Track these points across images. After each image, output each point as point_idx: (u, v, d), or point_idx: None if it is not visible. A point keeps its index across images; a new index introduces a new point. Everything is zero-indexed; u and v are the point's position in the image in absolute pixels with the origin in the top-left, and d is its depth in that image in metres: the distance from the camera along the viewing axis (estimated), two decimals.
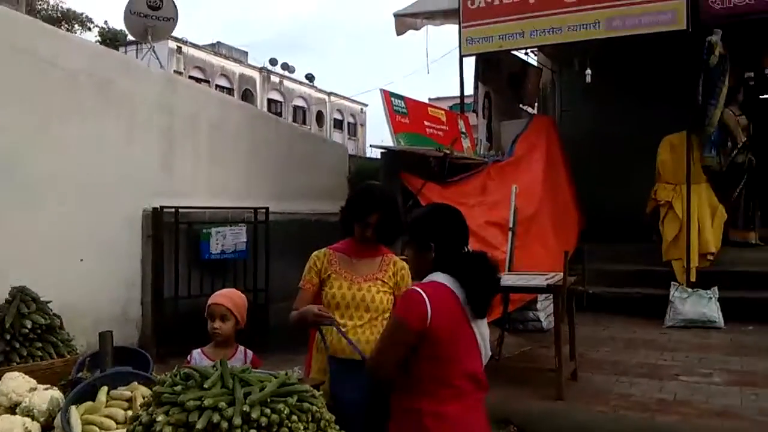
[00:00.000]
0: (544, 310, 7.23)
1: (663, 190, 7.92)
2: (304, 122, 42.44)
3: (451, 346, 2.29)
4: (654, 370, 5.60)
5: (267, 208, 7.13)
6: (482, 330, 2.40)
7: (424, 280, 2.38)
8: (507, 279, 5.46)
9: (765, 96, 9.70)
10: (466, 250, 2.44)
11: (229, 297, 3.16)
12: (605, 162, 9.49)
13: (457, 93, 8.83)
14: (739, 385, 5.14)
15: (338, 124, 47.94)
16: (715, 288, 7.12)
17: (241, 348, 3.16)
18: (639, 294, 7.66)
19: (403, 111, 6.86)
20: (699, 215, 7.58)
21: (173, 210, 6.38)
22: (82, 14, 28.14)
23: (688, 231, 7.41)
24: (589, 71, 8.26)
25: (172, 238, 6.40)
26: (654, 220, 8.12)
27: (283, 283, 6.90)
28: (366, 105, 49.35)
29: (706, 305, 7.03)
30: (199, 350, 3.13)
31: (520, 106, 10.49)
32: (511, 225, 6.44)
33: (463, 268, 2.36)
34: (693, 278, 7.34)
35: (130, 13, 10.01)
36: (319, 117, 45.55)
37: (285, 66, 42.23)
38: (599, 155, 9.53)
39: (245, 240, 6.86)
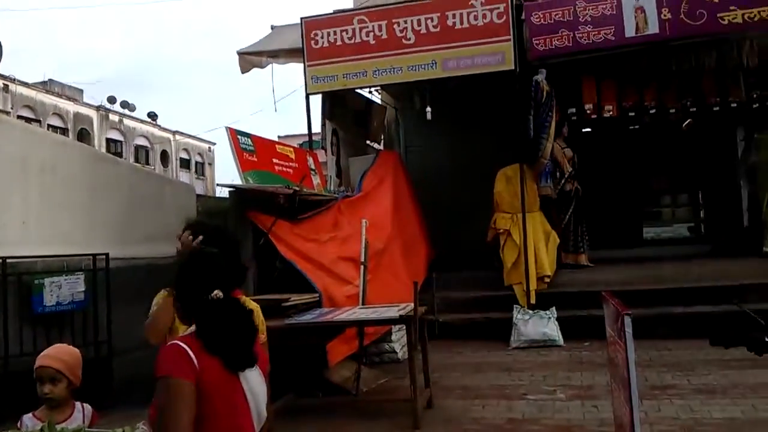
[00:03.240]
0: (399, 341, 7.36)
1: (501, 219, 8.40)
2: (147, 162, 40.78)
3: (216, 403, 2.03)
4: (503, 391, 5.86)
5: (107, 254, 6.74)
6: (252, 386, 2.14)
7: (185, 332, 2.16)
8: (360, 313, 5.52)
9: (587, 129, 10.63)
10: (213, 296, 2.15)
11: (57, 357, 2.88)
12: (449, 194, 9.93)
13: (306, 130, 8.91)
14: (580, 398, 5.48)
15: (185, 164, 46.54)
16: (553, 308, 7.61)
17: (79, 405, 2.92)
18: (486, 318, 8.02)
19: (250, 149, 6.78)
20: (534, 241, 8.09)
21: (0, 261, 5.86)
22: None
23: (525, 257, 7.89)
24: (429, 109, 8.64)
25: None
26: (495, 247, 8.57)
27: (128, 333, 6.52)
28: (214, 144, 48.37)
29: (546, 325, 7.48)
30: (30, 415, 2.84)
31: (367, 142, 10.75)
32: (362, 259, 6.53)
33: (203, 317, 2.12)
34: (533, 300, 7.80)
35: None
36: (164, 156, 43.97)
37: (125, 104, 40.50)
38: (443, 187, 9.96)
39: (83, 290, 6.43)
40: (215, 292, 2.16)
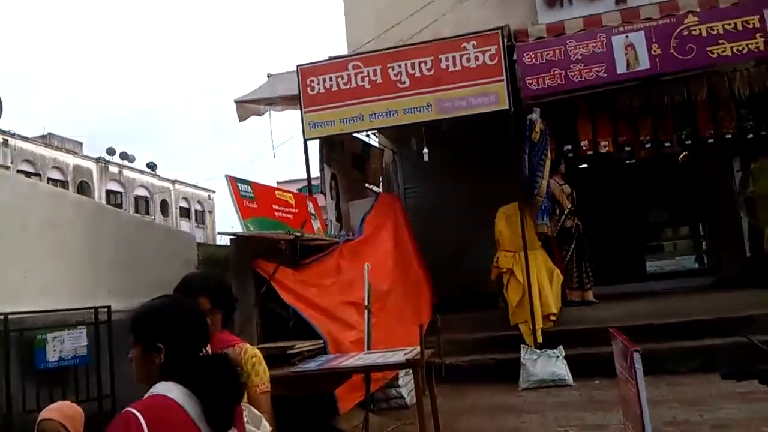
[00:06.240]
0: (406, 386, 7.26)
1: (503, 258, 8.37)
2: (147, 212, 40.99)
3: None
4: None
5: (109, 307, 6.70)
6: None
7: (147, 394, 1.96)
8: (366, 358, 5.45)
9: (584, 165, 10.69)
10: (204, 352, 2.08)
11: (60, 410, 2.90)
12: (450, 234, 9.92)
13: (305, 175, 8.96)
14: None
15: (185, 213, 46.76)
16: (561, 347, 7.51)
17: None
18: (493, 360, 7.91)
19: (250, 196, 6.80)
20: (538, 279, 8.04)
21: (2, 317, 5.81)
22: None
23: (530, 295, 7.83)
24: (426, 150, 8.70)
25: (1, 349, 5.80)
26: (499, 286, 8.52)
27: (132, 387, 6.44)
28: (213, 191, 48.67)
29: (554, 364, 7.38)
30: None
31: (366, 185, 10.79)
32: (366, 303, 6.49)
33: (199, 375, 1.96)
34: (540, 339, 7.71)
35: None
36: (164, 206, 44.19)
37: (124, 155, 40.91)
38: (444, 228, 9.96)
39: (86, 344, 6.36)
40: (206, 347, 2.09)
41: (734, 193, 9.65)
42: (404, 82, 8.27)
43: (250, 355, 2.89)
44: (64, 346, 6.16)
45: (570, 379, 7.31)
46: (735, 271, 9.56)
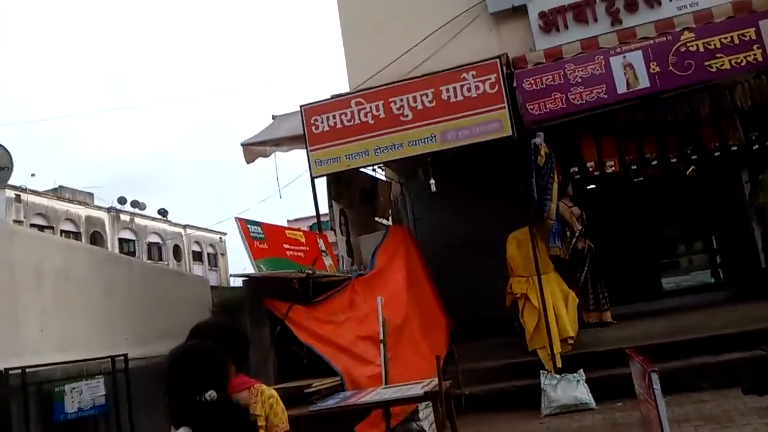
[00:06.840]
0: (427, 419, 7.17)
1: (517, 284, 8.32)
2: (160, 258, 41.17)
3: None
4: None
5: (125, 355, 6.72)
6: None
7: None
8: (384, 393, 5.42)
9: (591, 186, 10.68)
10: (204, 398, 2.14)
11: None
12: (462, 262, 9.89)
13: (314, 212, 9.01)
14: None
15: (197, 256, 46.92)
16: (581, 370, 7.40)
17: None
18: (513, 387, 7.81)
19: (260, 237, 6.85)
20: (553, 302, 7.97)
21: (20, 371, 5.84)
22: None
23: (546, 319, 7.77)
24: (432, 180, 8.74)
25: (21, 402, 5.81)
26: (514, 312, 8.46)
27: None
28: (225, 234, 48.89)
29: (576, 389, 7.27)
30: None
31: (376, 219, 10.82)
32: (381, 337, 6.46)
33: (199, 420, 2.07)
34: (559, 364, 7.61)
35: None
36: (177, 251, 44.38)
37: (135, 203, 41.30)
38: (456, 257, 9.94)
39: (104, 393, 6.37)
40: (209, 392, 2.12)
41: (745, 205, 9.61)
42: (407, 115, 8.36)
43: (267, 395, 2.87)
44: (83, 396, 6.17)
45: (592, 402, 7.20)
46: (751, 283, 9.46)
